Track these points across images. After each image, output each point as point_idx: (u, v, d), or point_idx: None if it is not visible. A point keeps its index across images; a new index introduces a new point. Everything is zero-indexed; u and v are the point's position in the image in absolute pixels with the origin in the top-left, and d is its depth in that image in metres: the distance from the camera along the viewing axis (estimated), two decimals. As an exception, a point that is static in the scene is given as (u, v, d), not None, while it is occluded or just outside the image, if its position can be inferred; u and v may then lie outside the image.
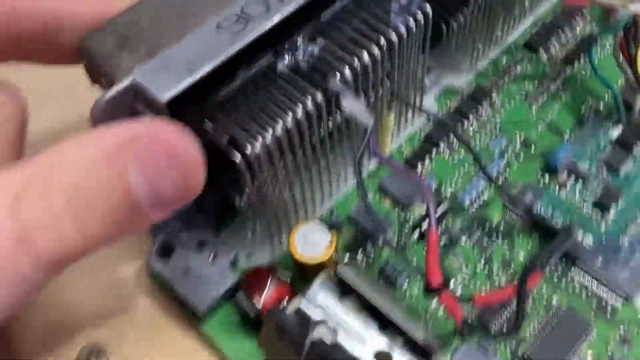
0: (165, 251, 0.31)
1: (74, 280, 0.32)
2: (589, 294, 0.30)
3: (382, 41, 0.28)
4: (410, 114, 0.35)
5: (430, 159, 0.35)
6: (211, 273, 0.31)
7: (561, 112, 0.36)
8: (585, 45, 0.38)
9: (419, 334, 0.26)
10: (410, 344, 0.26)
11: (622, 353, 0.28)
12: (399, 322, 0.26)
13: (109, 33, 0.27)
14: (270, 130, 0.26)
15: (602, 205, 0.31)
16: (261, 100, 0.27)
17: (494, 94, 0.37)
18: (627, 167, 0.33)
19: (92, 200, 0.21)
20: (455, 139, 0.35)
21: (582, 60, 0.38)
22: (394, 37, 0.29)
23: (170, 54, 0.25)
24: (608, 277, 0.30)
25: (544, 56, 0.39)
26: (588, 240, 0.30)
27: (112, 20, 0.27)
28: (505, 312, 0.29)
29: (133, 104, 0.25)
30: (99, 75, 0.27)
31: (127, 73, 0.26)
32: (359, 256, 0.32)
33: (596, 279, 0.30)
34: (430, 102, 0.37)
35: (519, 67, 0.38)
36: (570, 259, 0.31)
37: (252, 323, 0.30)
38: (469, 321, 0.29)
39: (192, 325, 0.31)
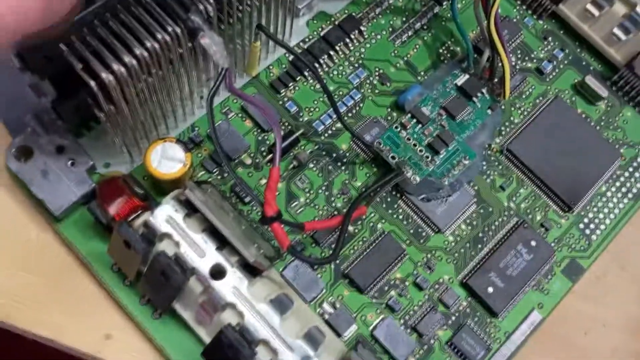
0: (24, 153, 0.32)
1: None
2: (409, 222, 0.35)
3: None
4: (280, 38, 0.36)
5: (294, 85, 0.37)
6: (68, 178, 0.32)
7: (421, 51, 0.39)
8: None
9: (249, 255, 0.29)
10: (243, 263, 0.30)
11: (424, 276, 0.34)
12: (234, 244, 0.29)
13: None
14: (124, 60, 0.27)
15: (433, 149, 0.35)
16: (119, 27, 0.27)
17: (363, 25, 0.39)
18: (463, 116, 0.37)
19: None
20: (318, 68, 0.37)
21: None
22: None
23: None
24: (427, 211, 0.35)
25: (417, -10, 0.40)
26: (416, 177, 0.35)
27: None
28: (333, 235, 0.34)
29: None
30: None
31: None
32: (216, 172, 0.34)
33: (417, 211, 0.35)
34: (302, 26, 0.38)
35: (392, -1, 0.40)
36: (399, 191, 0.35)
37: (105, 228, 0.32)
38: (299, 244, 0.33)
39: (50, 225, 0.33)
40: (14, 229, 0.33)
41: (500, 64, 0.36)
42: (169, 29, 0.28)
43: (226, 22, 0.30)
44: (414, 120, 0.36)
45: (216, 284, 0.29)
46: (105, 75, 0.27)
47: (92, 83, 0.27)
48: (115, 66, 0.27)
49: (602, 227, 0.36)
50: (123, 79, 0.27)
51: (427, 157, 0.35)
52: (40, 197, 0.32)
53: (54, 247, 0.33)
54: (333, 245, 0.33)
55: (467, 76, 0.37)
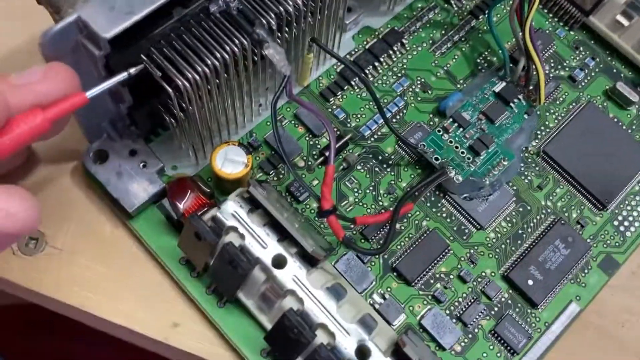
0: (100, 156, 0.36)
1: (15, 173, 0.36)
2: (453, 220, 0.37)
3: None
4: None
5: (342, 94, 0.40)
6: (141, 178, 0.35)
7: (460, 61, 0.42)
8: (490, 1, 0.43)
9: (308, 246, 0.32)
10: (302, 253, 0.33)
11: (468, 270, 0.36)
12: (294, 235, 0.32)
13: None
14: (197, 68, 0.30)
15: (474, 150, 0.38)
16: (192, 40, 0.30)
17: (405, 38, 0.42)
18: (501, 120, 0.39)
19: None
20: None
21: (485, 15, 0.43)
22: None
23: (113, -8, 0.28)
24: (469, 209, 0.37)
25: (454, 5, 0.43)
26: (458, 178, 0.37)
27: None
28: (381, 232, 0.36)
29: (77, 37, 0.28)
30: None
31: (72, 4, 0.29)
32: (272, 173, 0.37)
33: (459, 209, 0.37)
34: (348, 40, 0.41)
35: (431, 14, 0.43)
36: (442, 190, 0.38)
37: (174, 225, 0.35)
38: (351, 238, 0.36)
39: (122, 222, 0.36)
40: (89, 226, 0.36)
41: (535, 72, 0.39)
42: (237, 41, 0.31)
43: (283, 36, 0.34)
44: (456, 124, 0.39)
45: (278, 273, 0.32)
46: (180, 82, 0.30)
47: (169, 89, 0.30)
48: (189, 74, 0.30)
49: (636, 224, 0.38)
50: (196, 85, 0.30)
51: (469, 158, 0.38)
52: (115, 196, 0.35)
53: (126, 241, 0.36)
54: (381, 241, 0.36)
55: (504, 83, 0.40)
